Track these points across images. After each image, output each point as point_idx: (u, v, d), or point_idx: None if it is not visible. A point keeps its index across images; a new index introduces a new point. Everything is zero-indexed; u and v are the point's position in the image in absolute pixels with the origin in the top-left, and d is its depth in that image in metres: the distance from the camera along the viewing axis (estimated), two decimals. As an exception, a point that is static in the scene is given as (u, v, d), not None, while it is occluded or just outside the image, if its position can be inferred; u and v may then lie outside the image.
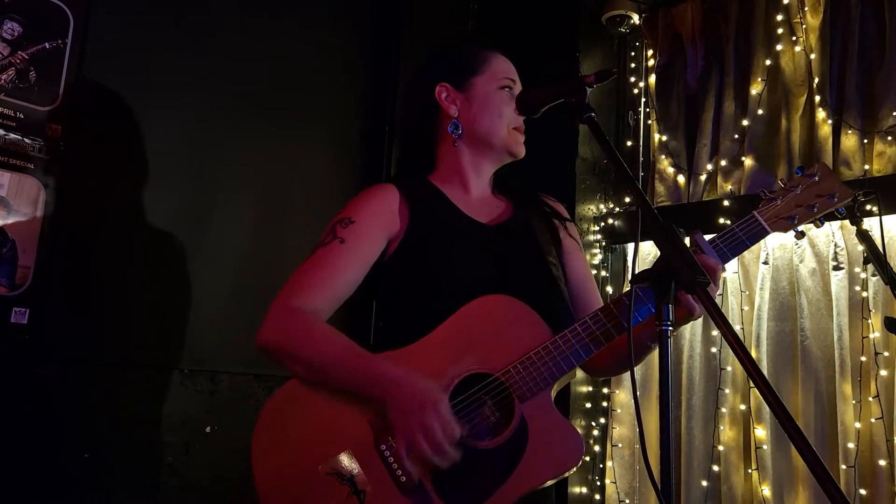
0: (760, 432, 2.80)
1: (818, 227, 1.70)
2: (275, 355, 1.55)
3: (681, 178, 3.30)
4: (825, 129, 2.91)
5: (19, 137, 2.24)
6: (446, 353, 1.51)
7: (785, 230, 1.65)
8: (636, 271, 1.28)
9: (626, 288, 3.24)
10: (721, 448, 2.89)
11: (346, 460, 1.47)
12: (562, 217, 1.88)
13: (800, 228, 1.65)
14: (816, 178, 1.66)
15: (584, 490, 3.17)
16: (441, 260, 1.65)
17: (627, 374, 2.97)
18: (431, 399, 1.41)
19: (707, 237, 1.58)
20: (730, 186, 3.12)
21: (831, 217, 2.54)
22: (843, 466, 2.58)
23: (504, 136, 1.75)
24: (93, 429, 2.32)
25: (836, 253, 2.76)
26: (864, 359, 2.63)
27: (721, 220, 2.96)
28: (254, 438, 1.52)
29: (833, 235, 2.79)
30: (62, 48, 2.36)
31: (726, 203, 3.01)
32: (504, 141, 1.76)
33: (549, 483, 1.50)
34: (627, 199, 3.41)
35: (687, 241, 1.56)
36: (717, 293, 1.54)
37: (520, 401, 1.48)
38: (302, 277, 1.60)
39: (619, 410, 3.21)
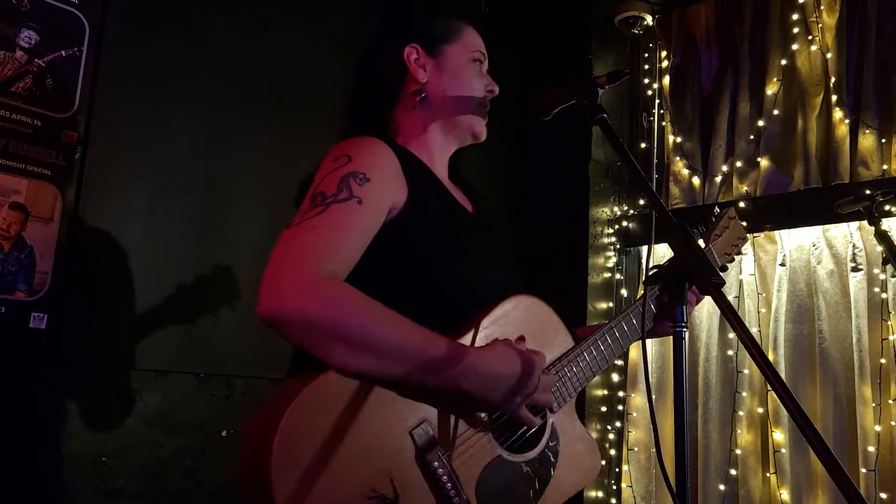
0: (778, 436, 2.77)
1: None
2: (309, 331, 1.18)
3: (696, 180, 3.28)
4: (842, 129, 2.88)
5: (36, 145, 2.26)
6: None
7: (722, 263, 1.91)
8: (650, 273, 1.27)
9: (641, 291, 3.23)
10: (738, 452, 2.87)
11: (388, 480, 1.22)
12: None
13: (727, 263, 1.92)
14: (734, 221, 1.92)
15: (601, 494, 3.15)
16: (451, 249, 1.46)
17: (643, 377, 2.95)
18: (526, 365, 1.32)
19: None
20: (745, 188, 3.10)
21: (849, 217, 2.55)
22: (863, 470, 2.55)
23: (471, 114, 1.61)
24: (109, 433, 2.33)
25: (854, 254, 2.74)
26: (883, 361, 2.60)
27: (737, 222, 2.94)
28: (272, 458, 1.13)
29: (851, 236, 2.76)
30: (78, 56, 2.38)
31: (742, 204, 2.99)
32: (470, 119, 1.62)
33: (598, 493, 1.49)
34: (641, 202, 3.40)
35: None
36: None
37: (550, 411, 1.44)
38: (326, 238, 1.27)
39: (634, 414, 3.19)
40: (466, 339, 1.36)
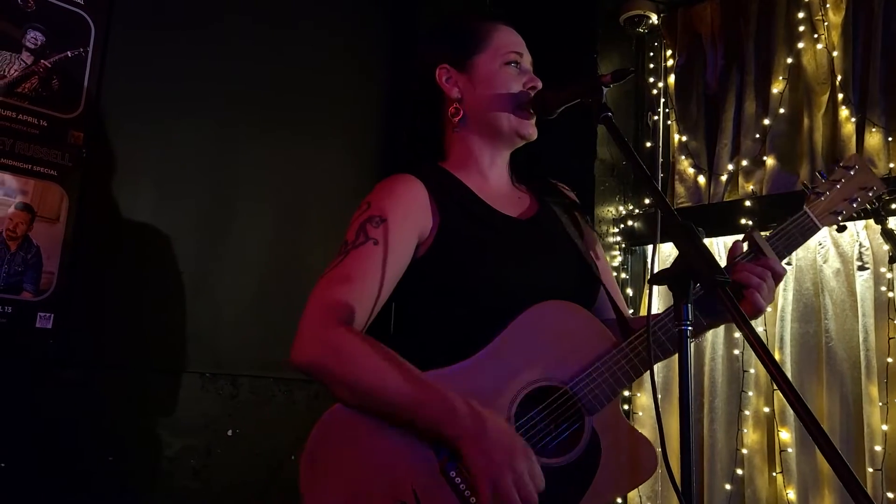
0: (785, 435, 2.76)
1: (844, 230, 1.71)
2: (321, 378, 1.35)
3: (701, 179, 3.27)
4: (848, 128, 2.87)
5: (43, 145, 2.27)
6: (506, 367, 1.40)
7: (832, 224, 1.65)
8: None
9: (646, 290, 3.22)
10: (745, 451, 2.86)
11: (410, 490, 1.30)
12: (580, 207, 1.76)
13: (843, 223, 1.67)
14: (853, 172, 1.65)
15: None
16: (481, 262, 1.49)
17: (648, 377, 2.94)
18: (521, 449, 1.30)
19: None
20: (751, 187, 3.09)
21: (856, 217, 2.53)
22: (870, 470, 2.54)
23: (511, 115, 1.60)
24: (116, 432, 2.34)
25: (860, 253, 2.73)
26: (890, 360, 2.59)
27: (743, 221, 2.93)
28: (302, 465, 1.31)
29: (857, 235, 2.75)
30: (84, 56, 2.38)
31: (748, 203, 2.98)
32: (511, 121, 1.60)
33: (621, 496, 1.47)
34: (647, 201, 3.39)
35: (745, 244, 1.54)
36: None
37: (588, 413, 1.42)
38: (341, 287, 1.40)
39: (640, 413, 3.18)
40: (488, 356, 1.40)
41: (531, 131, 1.64)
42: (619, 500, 3.15)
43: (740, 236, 1.69)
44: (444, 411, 1.31)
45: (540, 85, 1.63)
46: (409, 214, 1.49)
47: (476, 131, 1.63)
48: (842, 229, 1.68)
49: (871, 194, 1.65)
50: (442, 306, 1.50)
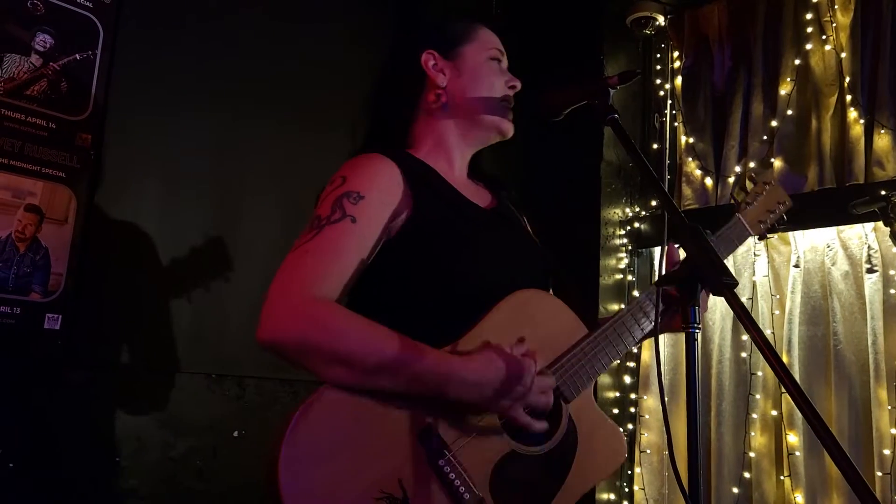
0: (793, 438, 2.75)
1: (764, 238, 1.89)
2: (303, 356, 1.26)
3: (708, 181, 3.27)
4: (857, 129, 2.86)
5: (51, 147, 2.28)
6: None
7: (758, 233, 1.82)
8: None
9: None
10: (752, 454, 2.85)
11: (396, 482, 1.26)
12: (523, 216, 1.77)
13: (765, 232, 1.84)
14: (769, 187, 1.83)
15: (613, 496, 3.14)
16: (457, 248, 1.47)
17: (655, 379, 2.93)
18: (524, 369, 1.31)
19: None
20: (759, 188, 3.08)
21: (864, 218, 2.53)
22: (879, 473, 2.53)
23: (493, 112, 1.60)
24: (122, 433, 2.34)
25: (869, 255, 2.71)
26: (899, 363, 2.58)
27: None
28: (280, 471, 1.18)
29: (866, 237, 2.74)
30: (92, 59, 2.39)
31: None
32: (492, 117, 1.61)
33: (611, 496, 1.48)
34: (653, 203, 3.38)
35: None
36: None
37: (565, 401, 1.43)
38: (317, 261, 1.34)
39: (647, 416, 3.18)
40: (467, 343, 1.36)
41: (509, 128, 1.64)
42: (626, 503, 3.14)
43: (747, 238, 1.76)
44: (445, 373, 1.29)
45: (520, 86, 1.65)
46: (386, 194, 1.44)
47: (454, 120, 1.61)
48: (762, 238, 1.85)
49: (782, 208, 1.84)
50: (412, 290, 1.45)
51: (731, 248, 1.76)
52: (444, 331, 1.37)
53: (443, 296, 1.43)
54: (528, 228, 1.74)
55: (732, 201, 1.85)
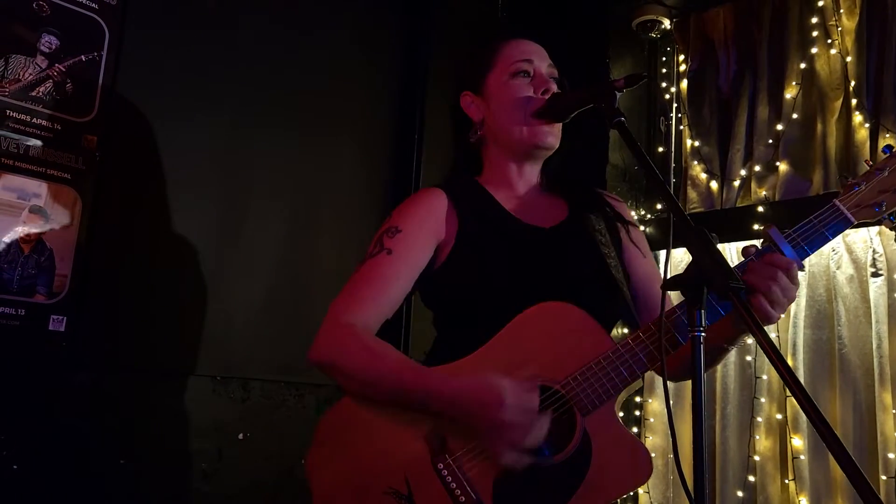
0: (797, 442, 2.75)
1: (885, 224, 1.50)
2: (328, 371, 1.51)
3: (714, 184, 3.26)
4: (862, 133, 2.86)
5: (56, 149, 2.29)
6: (502, 365, 1.41)
7: (872, 218, 1.46)
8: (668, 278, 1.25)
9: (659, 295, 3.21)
10: (757, 458, 2.84)
11: (402, 478, 1.42)
12: (624, 220, 1.74)
13: (889, 216, 1.46)
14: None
15: (618, 500, 3.13)
16: (493, 267, 1.56)
17: (660, 383, 2.93)
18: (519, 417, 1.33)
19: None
20: (764, 192, 3.08)
21: (869, 223, 2.52)
22: (884, 477, 2.52)
23: (523, 125, 1.63)
24: (128, 435, 2.34)
25: (874, 259, 2.71)
26: (904, 367, 2.57)
27: (755, 227, 2.92)
28: (309, 455, 1.51)
29: (871, 241, 2.73)
30: (98, 60, 2.40)
31: (760, 209, 2.97)
32: (523, 131, 1.64)
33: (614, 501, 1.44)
34: (659, 206, 3.38)
35: (758, 242, 1.47)
36: (795, 293, 1.39)
37: (581, 414, 1.41)
38: (352, 291, 1.56)
39: (652, 420, 3.17)
40: (476, 359, 1.46)
41: (546, 139, 1.64)
42: (630, 507, 3.13)
43: (753, 241, 1.67)
44: (427, 391, 1.42)
45: (554, 88, 1.65)
46: (425, 224, 1.61)
47: (498, 147, 1.71)
48: (891, 225, 1.47)
49: None
50: (450, 310, 1.64)
51: (821, 242, 1.45)
52: (470, 345, 1.48)
53: (470, 313, 1.56)
54: (616, 241, 1.69)
55: (841, 179, 1.53)
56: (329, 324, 1.53)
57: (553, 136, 1.65)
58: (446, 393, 1.39)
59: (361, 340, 1.50)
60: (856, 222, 1.46)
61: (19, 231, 2.19)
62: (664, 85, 3.52)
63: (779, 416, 2.84)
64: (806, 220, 1.45)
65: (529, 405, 1.33)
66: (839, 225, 1.45)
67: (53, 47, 2.31)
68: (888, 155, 1.49)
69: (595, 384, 1.41)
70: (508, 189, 1.70)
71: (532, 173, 1.74)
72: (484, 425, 1.33)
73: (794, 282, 1.37)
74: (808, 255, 1.44)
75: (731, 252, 3.06)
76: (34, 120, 2.25)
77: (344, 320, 1.52)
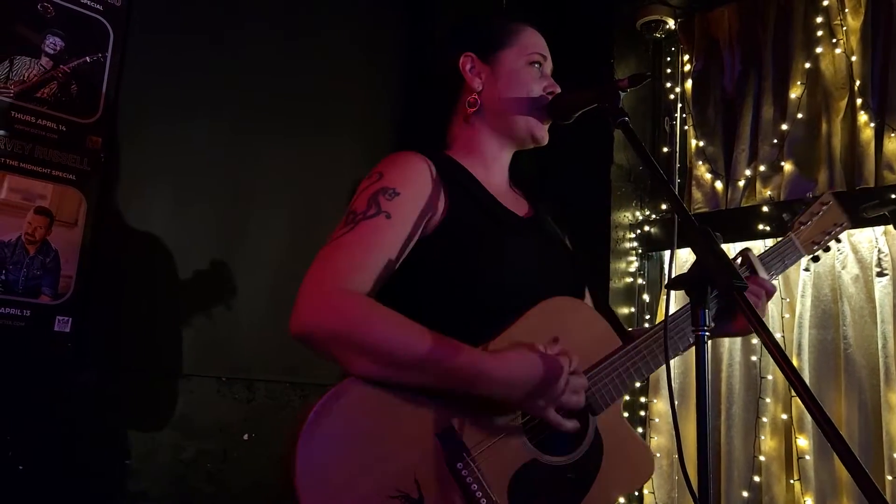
0: (803, 442, 2.74)
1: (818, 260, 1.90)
2: (331, 347, 1.25)
3: (718, 184, 3.26)
4: (867, 133, 2.85)
5: (61, 150, 2.29)
6: None
7: (811, 253, 1.81)
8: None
9: (663, 295, 3.20)
10: (762, 458, 2.84)
11: (412, 480, 1.24)
12: (564, 229, 1.75)
13: (817, 253, 1.84)
14: (826, 207, 1.81)
15: (622, 500, 3.13)
16: (487, 252, 1.45)
17: (665, 383, 2.92)
18: (552, 370, 1.30)
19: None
20: (769, 192, 3.07)
21: (874, 222, 2.51)
22: (889, 477, 2.52)
23: (528, 116, 1.58)
24: (132, 436, 2.35)
25: (879, 259, 2.70)
26: (910, 367, 2.56)
27: (760, 227, 2.91)
28: (298, 448, 1.18)
29: (876, 241, 2.73)
30: (102, 62, 2.40)
31: (765, 209, 2.96)
32: (527, 122, 1.58)
33: (621, 499, 1.46)
34: (664, 206, 3.37)
35: (738, 260, 1.61)
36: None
37: (592, 413, 1.41)
38: (350, 254, 1.33)
39: (657, 420, 3.17)
40: (498, 345, 1.35)
41: (544, 135, 1.62)
42: (635, 507, 3.13)
43: (757, 242, 1.75)
44: (481, 365, 1.27)
45: (559, 90, 1.63)
46: (421, 192, 1.44)
47: (489, 124, 1.60)
48: (816, 259, 1.86)
49: (839, 229, 1.82)
50: (441, 292, 1.44)
51: (782, 268, 1.75)
52: (471, 334, 1.34)
53: (470, 300, 1.42)
54: (567, 242, 1.71)
55: (786, 218, 1.83)
56: (328, 288, 1.28)
57: (547, 133, 1.63)
58: (503, 369, 1.27)
59: (383, 309, 1.28)
60: (805, 255, 1.79)
61: (24, 232, 2.20)
62: (668, 85, 3.52)
63: (784, 417, 2.84)
64: (772, 247, 1.75)
65: (582, 381, 1.35)
66: (795, 256, 1.77)
67: (58, 48, 2.32)
68: (816, 201, 1.82)
69: (608, 383, 1.42)
70: (483, 170, 1.59)
71: (505, 161, 1.67)
72: (542, 396, 1.29)
73: (768, 300, 1.62)
74: (774, 277, 1.71)
75: (736, 252, 3.06)
76: (39, 121, 2.26)
77: (346, 286, 1.29)
